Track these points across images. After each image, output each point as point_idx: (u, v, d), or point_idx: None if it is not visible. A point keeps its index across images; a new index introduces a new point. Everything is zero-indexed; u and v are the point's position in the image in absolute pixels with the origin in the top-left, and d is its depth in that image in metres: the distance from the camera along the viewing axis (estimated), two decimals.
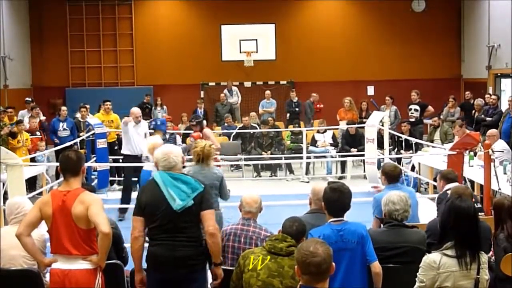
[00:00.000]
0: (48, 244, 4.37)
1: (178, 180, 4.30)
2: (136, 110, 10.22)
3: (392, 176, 5.95)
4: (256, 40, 17.46)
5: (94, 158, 11.40)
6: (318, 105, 16.01)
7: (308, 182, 12.18)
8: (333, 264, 3.14)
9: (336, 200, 4.29)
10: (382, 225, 4.92)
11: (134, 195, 9.59)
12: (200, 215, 4.27)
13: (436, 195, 6.43)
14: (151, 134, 12.13)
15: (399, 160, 11.86)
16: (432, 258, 3.78)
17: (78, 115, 13.32)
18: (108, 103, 13.24)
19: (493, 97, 13.17)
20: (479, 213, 5.60)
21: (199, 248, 4.31)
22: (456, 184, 5.87)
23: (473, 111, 13.80)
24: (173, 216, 4.23)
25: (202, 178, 5.73)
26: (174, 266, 4.26)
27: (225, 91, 16.98)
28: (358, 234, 4.23)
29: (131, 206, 8.78)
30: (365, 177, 12.07)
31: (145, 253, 4.40)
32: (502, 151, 9.22)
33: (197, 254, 4.30)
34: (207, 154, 5.97)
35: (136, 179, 10.45)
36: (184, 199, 4.23)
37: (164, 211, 4.24)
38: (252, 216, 4.95)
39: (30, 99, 14.29)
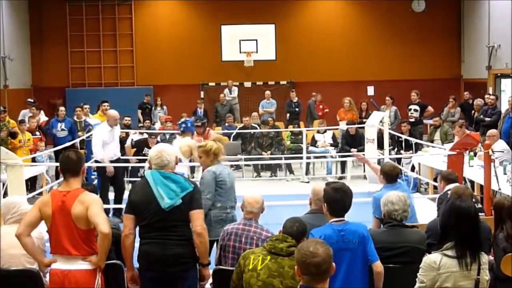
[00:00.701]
0: (48, 244, 4.37)
1: (168, 179, 4.31)
2: (114, 113, 9.68)
3: (391, 176, 5.96)
4: (256, 40, 17.47)
5: (94, 158, 11.39)
6: (320, 106, 16.01)
7: (308, 182, 12.18)
8: (333, 264, 3.14)
9: (339, 200, 4.29)
10: (381, 225, 4.92)
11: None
12: (189, 215, 4.29)
13: (436, 195, 6.43)
14: (150, 140, 12.06)
15: (399, 160, 11.87)
16: (432, 258, 3.77)
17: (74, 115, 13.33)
18: (105, 103, 13.26)
19: (491, 97, 13.13)
20: (480, 214, 5.61)
21: (190, 247, 4.31)
22: (456, 184, 5.87)
23: (473, 112, 13.80)
24: (162, 214, 4.25)
25: (228, 178, 5.90)
26: (165, 264, 4.27)
27: (226, 90, 17.00)
28: (359, 234, 4.23)
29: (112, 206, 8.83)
30: (365, 177, 12.07)
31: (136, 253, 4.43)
32: (502, 151, 9.22)
33: (188, 253, 4.32)
34: (217, 151, 6.00)
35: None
36: (172, 198, 4.25)
37: (154, 210, 4.26)
38: (254, 216, 4.93)
39: (32, 100, 14.26)
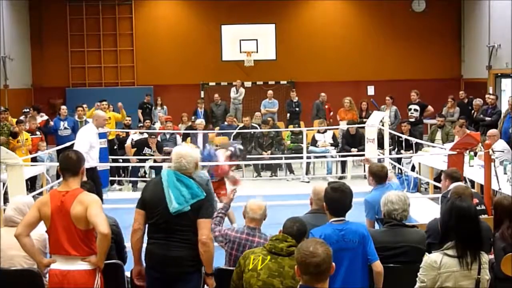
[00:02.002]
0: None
1: (181, 183, 4.29)
2: (103, 113, 9.17)
3: (379, 176, 5.91)
4: (256, 40, 17.44)
5: None
6: (326, 106, 16.00)
7: (308, 182, 12.16)
8: (333, 264, 3.14)
9: (338, 200, 4.29)
10: (382, 226, 4.91)
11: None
12: (196, 221, 4.26)
13: (436, 195, 6.43)
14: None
15: (399, 160, 11.86)
16: (433, 258, 3.77)
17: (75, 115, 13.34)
18: (104, 102, 13.28)
19: (491, 97, 13.13)
20: (484, 215, 5.61)
21: (192, 251, 4.28)
22: (460, 183, 5.88)
23: (472, 111, 13.80)
24: (169, 217, 4.25)
25: None
26: (165, 265, 4.28)
27: (233, 89, 16.98)
28: (359, 234, 4.22)
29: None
30: (365, 177, 12.02)
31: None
32: (503, 151, 9.22)
33: (191, 256, 4.29)
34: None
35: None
36: (181, 203, 4.23)
37: (162, 211, 4.26)
38: (256, 224, 4.85)
39: (27, 110, 14.06)
